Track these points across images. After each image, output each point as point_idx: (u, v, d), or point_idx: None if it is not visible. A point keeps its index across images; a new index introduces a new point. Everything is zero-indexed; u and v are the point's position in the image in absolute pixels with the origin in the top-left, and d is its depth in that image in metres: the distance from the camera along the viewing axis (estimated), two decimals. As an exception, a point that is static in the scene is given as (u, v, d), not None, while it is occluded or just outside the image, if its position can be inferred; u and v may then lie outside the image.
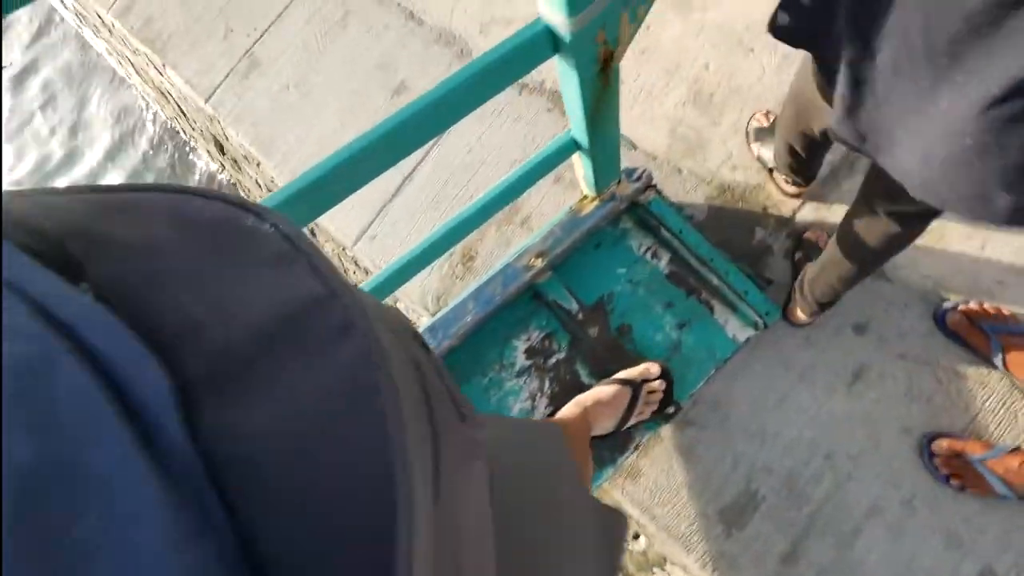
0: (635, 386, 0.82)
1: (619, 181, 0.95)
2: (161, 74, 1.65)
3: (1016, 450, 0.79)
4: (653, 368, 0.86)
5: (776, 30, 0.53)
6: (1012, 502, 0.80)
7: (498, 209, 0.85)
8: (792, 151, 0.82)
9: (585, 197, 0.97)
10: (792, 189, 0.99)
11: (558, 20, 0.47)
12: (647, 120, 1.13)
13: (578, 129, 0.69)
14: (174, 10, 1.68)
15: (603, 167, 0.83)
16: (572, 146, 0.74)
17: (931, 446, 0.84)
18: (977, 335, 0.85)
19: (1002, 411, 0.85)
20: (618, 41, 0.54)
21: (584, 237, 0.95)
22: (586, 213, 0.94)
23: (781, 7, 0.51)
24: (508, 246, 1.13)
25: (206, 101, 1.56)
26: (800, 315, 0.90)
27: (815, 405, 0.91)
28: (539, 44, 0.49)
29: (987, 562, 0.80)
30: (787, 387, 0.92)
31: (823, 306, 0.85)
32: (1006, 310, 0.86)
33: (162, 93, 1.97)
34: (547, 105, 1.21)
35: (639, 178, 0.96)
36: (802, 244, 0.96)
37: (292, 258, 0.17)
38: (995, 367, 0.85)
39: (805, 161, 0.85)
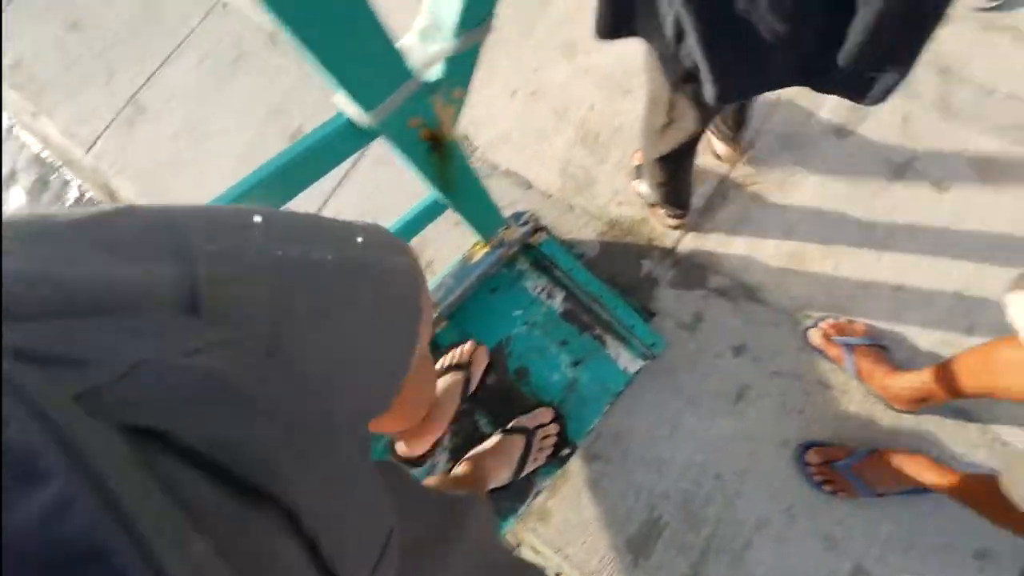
0: (528, 433, 0.84)
1: (507, 226, 0.97)
2: (34, 122, 1.52)
3: (872, 452, 0.87)
4: (545, 413, 0.88)
5: (604, 32, 0.58)
6: (873, 500, 0.87)
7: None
8: (661, 182, 0.89)
9: (477, 243, 0.98)
10: (672, 221, 1.05)
11: (355, 114, 0.48)
12: (540, 160, 1.17)
13: (435, 194, 0.70)
14: (48, 52, 1.56)
15: (478, 220, 0.85)
16: (437, 207, 0.75)
17: (805, 456, 0.91)
18: (835, 348, 0.94)
19: (862, 416, 0.94)
20: (438, 123, 0.56)
21: (477, 284, 0.97)
22: (476, 261, 0.96)
23: (604, 10, 0.56)
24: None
25: (87, 151, 1.45)
26: (728, 149, 1.00)
27: (703, 428, 0.96)
28: (347, 135, 0.50)
29: (858, 560, 0.88)
30: (678, 413, 0.97)
31: (740, 124, 0.96)
32: (859, 323, 0.96)
33: (46, 142, 1.82)
34: (445, 147, 1.22)
35: (526, 222, 0.99)
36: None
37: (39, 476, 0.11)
38: (852, 377, 0.94)
39: (675, 189, 0.91)
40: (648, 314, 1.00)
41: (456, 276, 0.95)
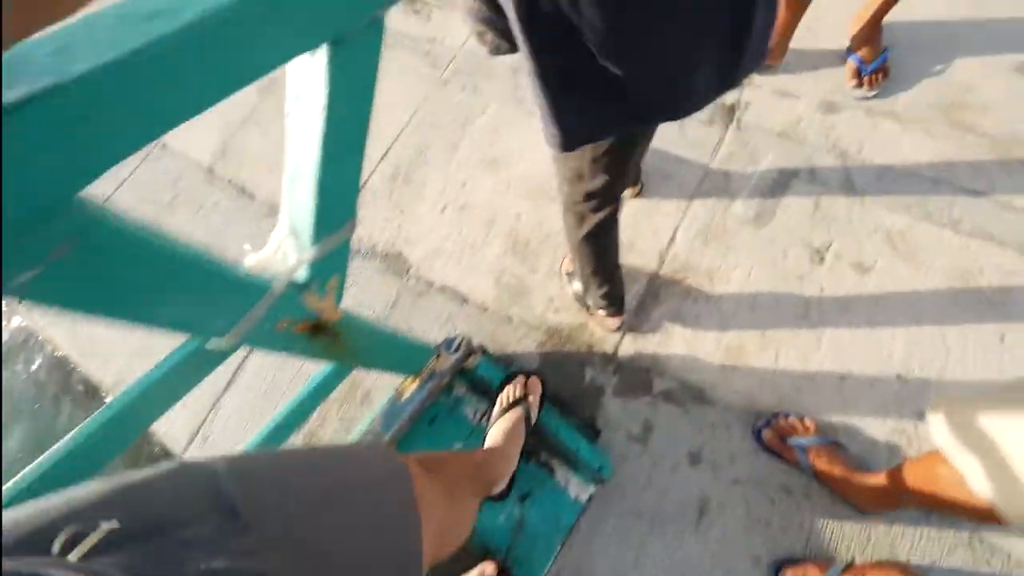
0: (470, 600, 0.76)
1: (438, 355, 0.94)
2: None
3: (849, 567, 0.81)
4: (488, 570, 0.80)
5: (571, 145, 0.58)
6: (860, 625, 0.79)
7: (294, 430, 0.80)
8: (593, 270, 0.88)
9: (407, 378, 0.95)
10: (612, 322, 1.04)
11: (210, 343, 0.45)
12: (474, 272, 1.17)
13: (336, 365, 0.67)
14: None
15: (398, 366, 0.82)
16: (343, 370, 0.72)
17: (779, 577, 0.84)
18: (789, 450, 0.90)
19: (831, 523, 0.88)
20: (318, 314, 0.54)
21: (410, 423, 0.92)
22: (407, 398, 0.91)
23: (566, 127, 0.55)
24: (348, 431, 1.07)
25: (20, 302, 1.42)
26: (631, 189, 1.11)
27: (670, 553, 0.88)
28: (203, 357, 0.47)
29: None
30: (641, 538, 0.90)
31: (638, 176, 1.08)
32: (809, 420, 0.92)
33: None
34: (381, 267, 1.22)
35: (458, 348, 0.96)
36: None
37: None
38: (811, 478, 0.89)
39: (606, 275, 0.91)
40: (594, 432, 0.96)
41: (386, 418, 0.90)
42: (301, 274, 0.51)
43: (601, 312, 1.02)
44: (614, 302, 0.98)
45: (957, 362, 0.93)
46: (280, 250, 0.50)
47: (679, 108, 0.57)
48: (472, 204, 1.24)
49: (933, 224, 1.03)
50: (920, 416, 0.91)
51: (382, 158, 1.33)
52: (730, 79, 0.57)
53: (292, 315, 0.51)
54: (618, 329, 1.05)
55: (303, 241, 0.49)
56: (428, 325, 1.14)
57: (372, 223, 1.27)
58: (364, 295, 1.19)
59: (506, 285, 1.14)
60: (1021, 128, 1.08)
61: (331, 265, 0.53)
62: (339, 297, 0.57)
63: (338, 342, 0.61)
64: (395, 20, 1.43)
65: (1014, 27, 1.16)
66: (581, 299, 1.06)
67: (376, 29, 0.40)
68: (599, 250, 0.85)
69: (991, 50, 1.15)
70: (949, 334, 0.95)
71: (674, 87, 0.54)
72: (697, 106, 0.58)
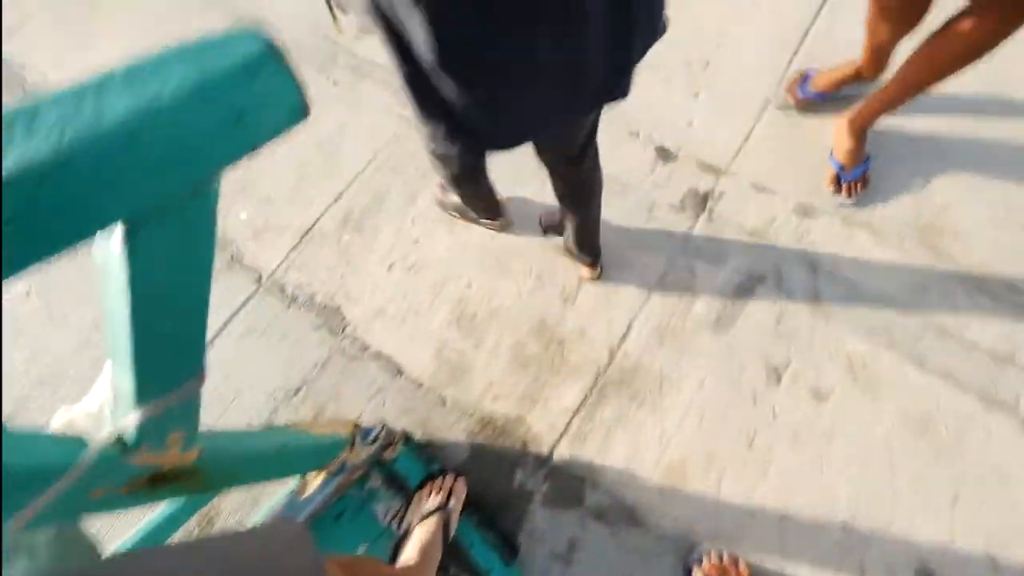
0: None
1: (351, 447, 0.85)
2: None
3: None
4: None
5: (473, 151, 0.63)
6: None
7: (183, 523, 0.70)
8: (466, 197, 0.95)
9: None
10: (495, 224, 1.11)
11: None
12: (415, 340, 1.08)
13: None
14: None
15: (290, 472, 0.73)
16: (200, 502, 0.62)
17: None
18: (717, 595, 0.83)
19: None
20: (151, 469, 0.45)
21: (311, 519, 0.83)
22: (307, 495, 0.82)
23: (468, 146, 0.58)
24: (256, 502, 0.97)
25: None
26: (589, 270, 1.06)
27: None
28: None
29: None
30: (546, 678, 0.82)
31: (594, 252, 1.03)
32: (743, 565, 0.85)
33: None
34: (316, 322, 1.13)
35: (376, 439, 0.88)
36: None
37: None
38: (739, 629, 0.82)
39: (482, 201, 0.99)
40: (511, 550, 0.87)
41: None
42: (127, 435, 0.42)
43: (486, 222, 1.11)
44: (488, 203, 1.01)
45: (905, 517, 0.88)
46: (97, 412, 0.41)
47: (522, 139, 0.61)
48: (422, 264, 1.15)
49: (897, 355, 0.98)
50: (861, 570, 0.85)
51: (336, 199, 1.24)
52: (576, 110, 0.60)
53: (114, 481, 0.42)
54: (503, 229, 1.13)
55: (125, 404, 0.40)
56: (356, 395, 1.05)
57: (314, 270, 1.17)
58: (293, 352, 1.10)
59: (446, 360, 1.06)
60: (992, 259, 1.04)
61: (169, 423, 0.44)
62: (189, 443, 0.48)
63: (197, 478, 0.52)
64: (369, 49, 1.34)
65: (1002, 151, 1.13)
66: (462, 210, 1.11)
67: (205, 199, 0.31)
68: (466, 190, 0.89)
69: (975, 172, 1.11)
70: (900, 482, 0.90)
71: (519, 120, 0.57)
72: (539, 137, 0.66)
